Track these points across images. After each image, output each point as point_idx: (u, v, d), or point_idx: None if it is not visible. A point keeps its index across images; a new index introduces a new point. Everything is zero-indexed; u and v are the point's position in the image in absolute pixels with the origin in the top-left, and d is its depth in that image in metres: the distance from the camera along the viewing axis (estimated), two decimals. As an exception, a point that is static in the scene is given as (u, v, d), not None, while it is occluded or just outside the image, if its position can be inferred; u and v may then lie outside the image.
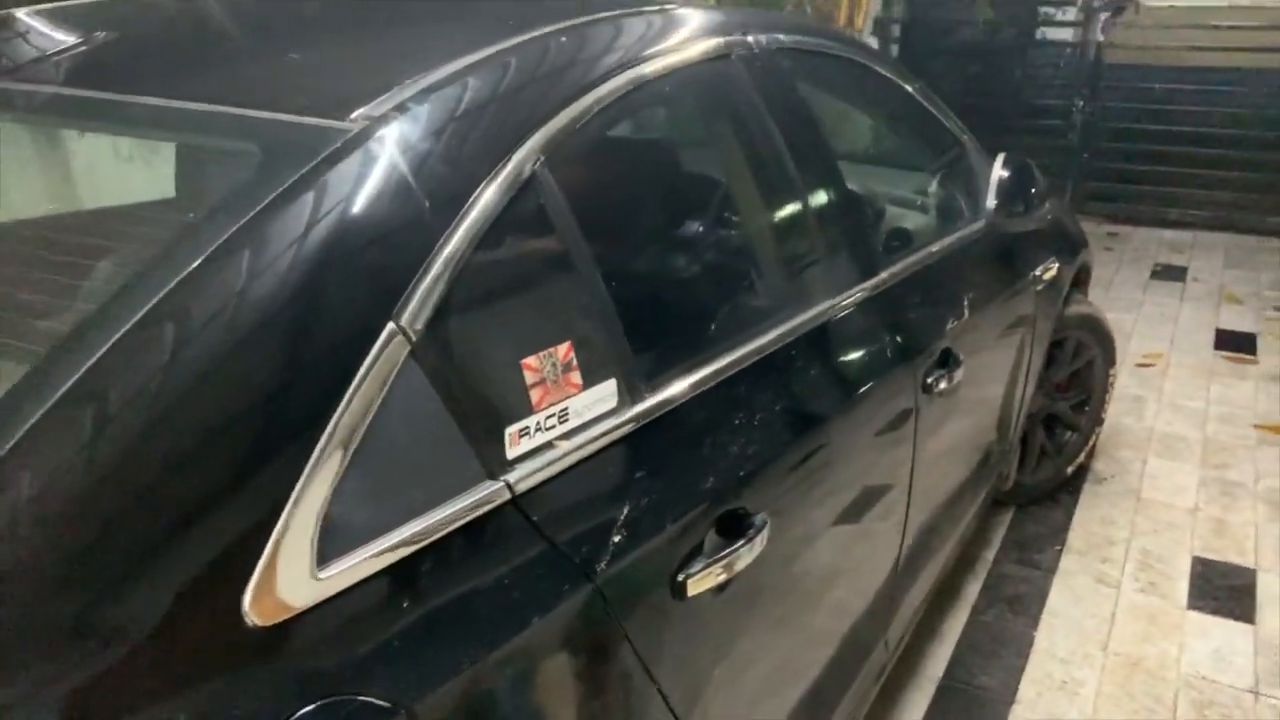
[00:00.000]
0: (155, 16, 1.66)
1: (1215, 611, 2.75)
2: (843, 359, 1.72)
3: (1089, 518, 3.21)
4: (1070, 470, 3.34)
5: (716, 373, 1.41)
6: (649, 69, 1.44)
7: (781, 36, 1.85)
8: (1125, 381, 4.16)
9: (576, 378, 1.18)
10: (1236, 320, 4.85)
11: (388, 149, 1.07)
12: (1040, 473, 3.26)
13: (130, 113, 1.19)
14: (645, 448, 1.27)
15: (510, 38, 1.33)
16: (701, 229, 1.68)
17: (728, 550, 1.29)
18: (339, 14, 1.68)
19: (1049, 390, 3.19)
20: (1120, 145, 6.53)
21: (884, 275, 1.90)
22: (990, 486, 2.75)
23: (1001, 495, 3.10)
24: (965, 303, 2.18)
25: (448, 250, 1.06)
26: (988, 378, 2.45)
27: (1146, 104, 6.44)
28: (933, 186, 2.48)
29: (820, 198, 1.79)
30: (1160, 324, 4.82)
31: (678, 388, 1.34)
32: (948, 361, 2.02)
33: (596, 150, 1.33)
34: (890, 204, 2.37)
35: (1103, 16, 6.35)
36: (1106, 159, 6.60)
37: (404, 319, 1.00)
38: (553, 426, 1.14)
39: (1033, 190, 2.44)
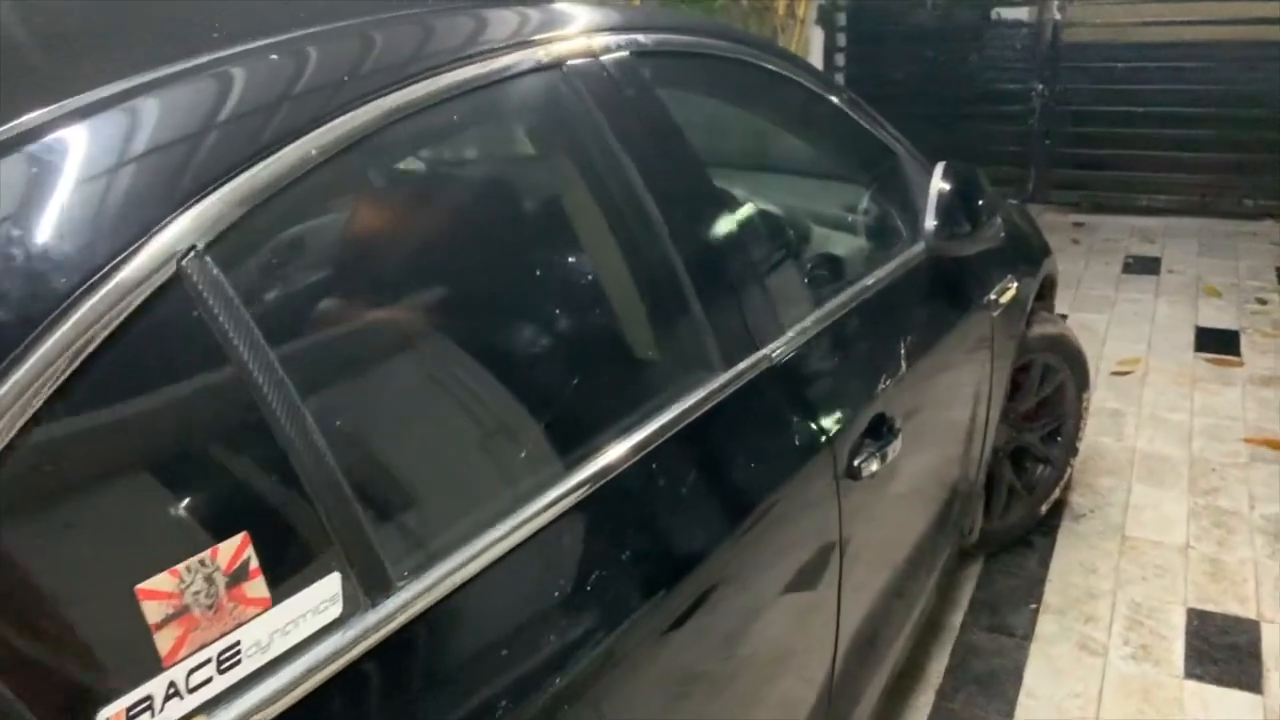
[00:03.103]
0: None
1: (1217, 680, 2.36)
2: (723, 467, 1.30)
3: (1068, 564, 2.81)
4: (1044, 509, 2.95)
5: (522, 525, 1.00)
6: (414, 95, 1.02)
7: (641, 38, 1.44)
8: (1101, 394, 3.77)
9: (258, 588, 0.76)
10: (1217, 316, 4.48)
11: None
12: (1010, 515, 2.87)
13: None
14: (400, 667, 0.85)
15: (202, 54, 0.91)
16: (499, 322, 1.21)
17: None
18: None
19: (1015, 421, 2.80)
20: (1083, 129, 6.14)
21: (788, 335, 1.49)
22: (951, 546, 2.35)
23: (967, 546, 2.70)
24: (901, 351, 1.77)
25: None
26: (938, 429, 2.04)
27: (1109, 84, 6.05)
28: (856, 209, 2.07)
29: (697, 247, 1.38)
30: (1135, 324, 4.44)
31: (457, 561, 0.92)
32: (881, 431, 1.61)
33: (316, 224, 0.92)
34: (794, 238, 1.95)
35: (1058, -7, 5.97)
36: (1069, 144, 6.21)
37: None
38: (206, 682, 0.72)
39: (980, 203, 2.04)
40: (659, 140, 1.38)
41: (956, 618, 2.62)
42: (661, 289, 1.34)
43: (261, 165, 0.86)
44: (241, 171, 0.84)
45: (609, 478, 1.12)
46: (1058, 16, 6.02)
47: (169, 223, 0.77)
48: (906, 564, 1.96)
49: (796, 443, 1.41)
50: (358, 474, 0.87)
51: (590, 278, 1.32)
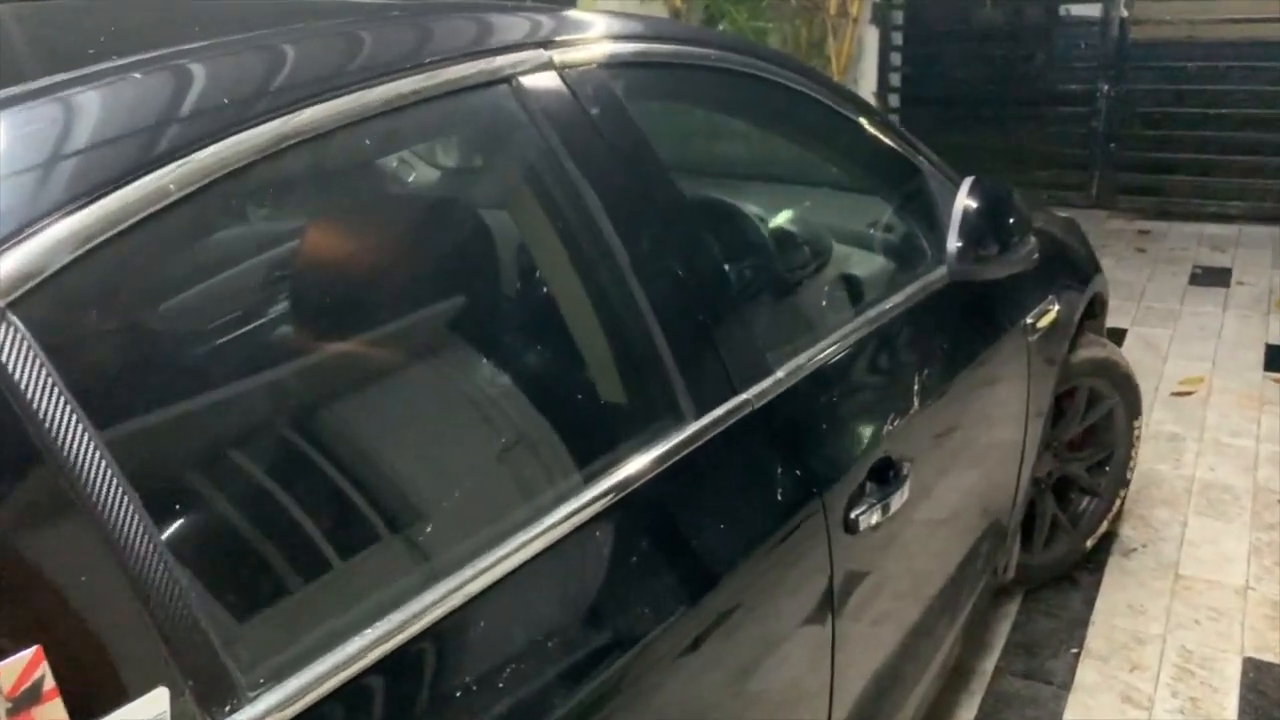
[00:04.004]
0: None
1: (1275, 742, 2.16)
2: (688, 530, 1.16)
3: (1114, 605, 2.61)
4: (1090, 544, 2.75)
5: (434, 605, 0.87)
6: (308, 118, 0.90)
7: (617, 48, 1.30)
8: (1160, 416, 3.54)
9: (53, 713, 0.64)
10: (1290, 332, 4.21)
11: None
12: (1052, 550, 2.68)
13: None
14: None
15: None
16: (421, 367, 1.08)
17: None
18: None
19: (1058, 450, 2.61)
20: (1151, 132, 5.85)
21: (777, 376, 1.34)
22: (981, 587, 2.17)
23: (1003, 583, 2.51)
24: (915, 386, 1.61)
25: None
26: (964, 466, 1.88)
27: (1179, 84, 5.75)
28: (872, 229, 1.91)
29: (666, 280, 1.24)
30: (1201, 340, 4.18)
31: (334, 661, 0.80)
32: (886, 477, 1.46)
33: (159, 274, 0.80)
34: (795, 264, 1.79)
35: (1125, -12, 5.69)
36: (1136, 147, 5.92)
37: None
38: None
39: (1010, 222, 1.86)
40: (625, 162, 1.24)
41: (989, 662, 2.44)
42: (622, 327, 1.21)
43: (98, 205, 0.74)
44: (68, 211, 0.72)
45: (544, 546, 0.99)
46: (1125, 13, 5.73)
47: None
48: (924, 612, 1.80)
49: (779, 497, 1.26)
50: (193, 556, 0.74)
51: (539, 315, 1.19)
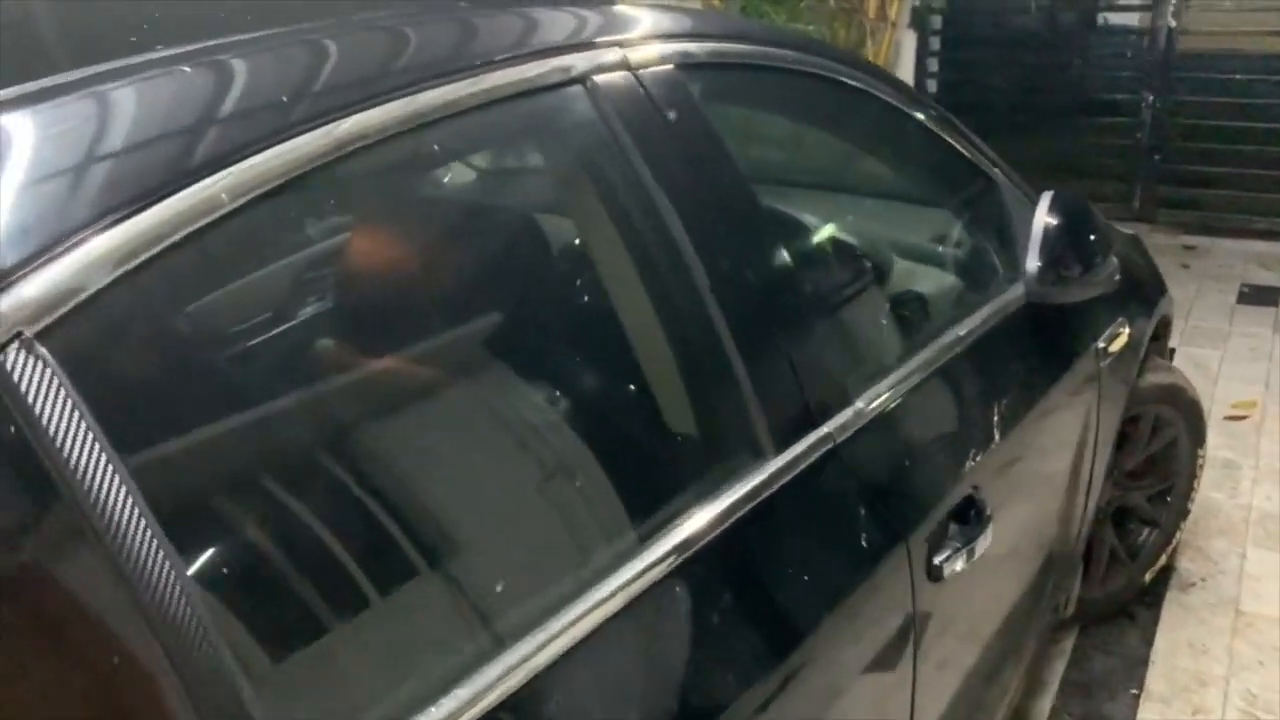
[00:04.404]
0: None
1: (1352, 797, 2.04)
2: (768, 581, 1.05)
3: (1174, 643, 2.49)
4: (1148, 577, 2.62)
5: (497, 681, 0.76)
6: (376, 119, 0.80)
7: (691, 48, 1.19)
8: (1213, 441, 3.40)
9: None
10: (1345, 355, 4.06)
11: None
12: (1110, 583, 2.55)
13: None
14: None
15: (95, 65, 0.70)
16: (482, 404, 0.97)
17: None
18: None
19: (1119, 479, 2.49)
20: (1197, 144, 5.69)
21: (857, 407, 1.23)
22: (1044, 627, 2.06)
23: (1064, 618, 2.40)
24: (995, 418, 1.50)
25: None
26: (1035, 500, 1.76)
27: (1228, 96, 5.60)
28: (944, 245, 1.80)
29: (746, 303, 1.13)
30: (1252, 362, 4.04)
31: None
32: (969, 517, 1.35)
33: (217, 295, 0.70)
34: (872, 282, 1.67)
35: (1173, -2, 5.54)
36: (1181, 160, 5.76)
37: None
38: None
39: (1093, 240, 1.75)
40: (704, 172, 1.13)
41: (1044, 702, 2.32)
42: (698, 349, 1.10)
43: (140, 217, 0.64)
44: (111, 224, 0.62)
45: (617, 609, 0.88)
46: (1173, 23, 5.59)
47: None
48: (994, 654, 1.68)
49: (864, 544, 1.15)
50: (231, 610, 0.64)
51: (609, 340, 1.08)
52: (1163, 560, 2.64)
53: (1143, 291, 2.36)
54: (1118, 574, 2.56)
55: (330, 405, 0.83)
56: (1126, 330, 2.11)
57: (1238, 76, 5.59)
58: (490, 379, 0.97)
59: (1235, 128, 5.58)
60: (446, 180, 1.07)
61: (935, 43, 6.35)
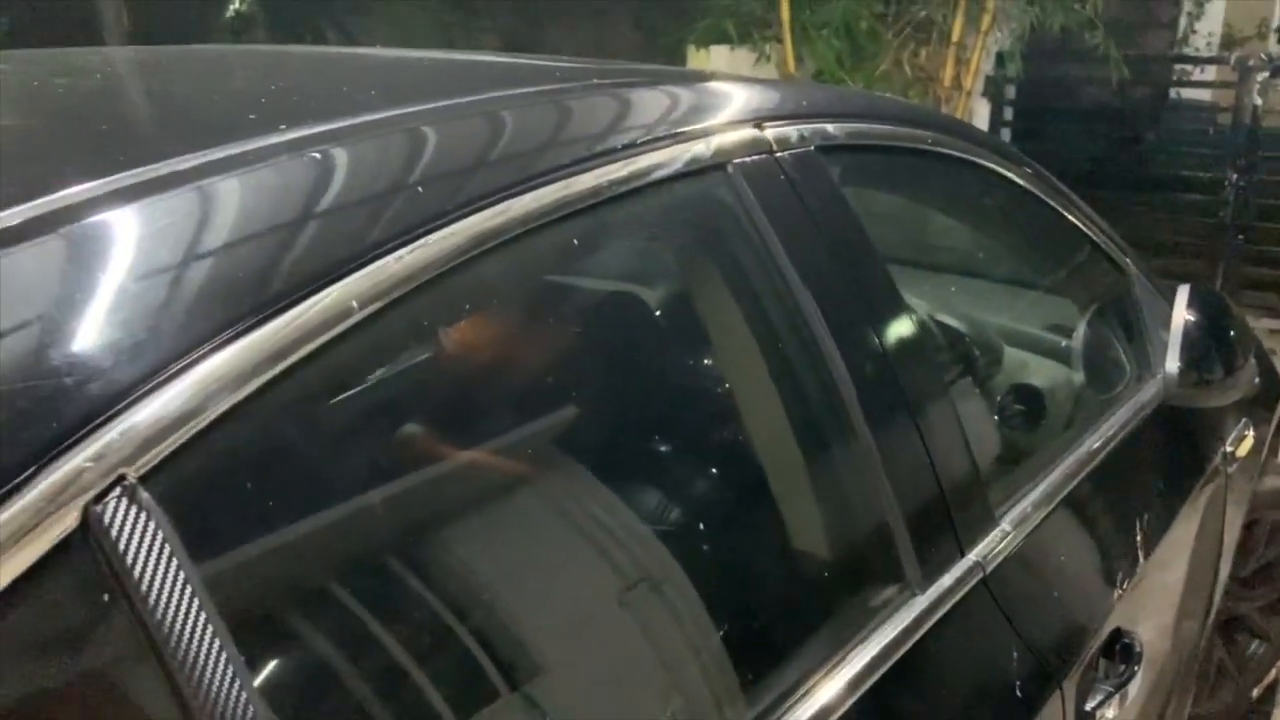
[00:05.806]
0: None
1: None
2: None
3: (1287, 767, 2.30)
4: (1256, 693, 2.43)
5: None
6: (514, 212, 0.70)
7: (829, 128, 1.09)
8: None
9: None
10: None
11: None
12: (1216, 698, 2.37)
13: None
14: None
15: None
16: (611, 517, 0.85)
17: None
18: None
19: (1231, 588, 2.31)
20: (1280, 225, 5.52)
21: (1003, 529, 1.10)
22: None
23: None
24: (1139, 537, 1.36)
25: None
26: (1170, 620, 1.61)
27: (1312, 176, 5.43)
28: (1074, 344, 1.66)
29: (895, 417, 1.01)
30: (1352, 457, 3.83)
31: None
32: (1115, 653, 1.21)
33: (346, 420, 0.59)
34: (1012, 389, 1.54)
35: (1260, 76, 5.38)
36: (1265, 240, 5.58)
37: None
38: None
39: (1234, 338, 1.62)
40: (848, 269, 1.02)
41: (1152, 831, 2.13)
42: (841, 467, 0.99)
43: (264, 330, 0.54)
44: (226, 340, 0.52)
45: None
46: (1259, 101, 5.43)
47: (72, 444, 0.45)
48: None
49: (1017, 691, 1.02)
50: None
51: (744, 454, 0.97)
52: (1272, 675, 2.45)
53: (1265, 389, 2.21)
54: (1224, 689, 2.38)
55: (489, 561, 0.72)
56: (1251, 432, 1.96)
57: (1324, 156, 5.42)
58: (636, 490, 0.86)
59: (1322, 209, 5.40)
60: (580, 273, 0.97)
61: (1008, 112, 6.24)
